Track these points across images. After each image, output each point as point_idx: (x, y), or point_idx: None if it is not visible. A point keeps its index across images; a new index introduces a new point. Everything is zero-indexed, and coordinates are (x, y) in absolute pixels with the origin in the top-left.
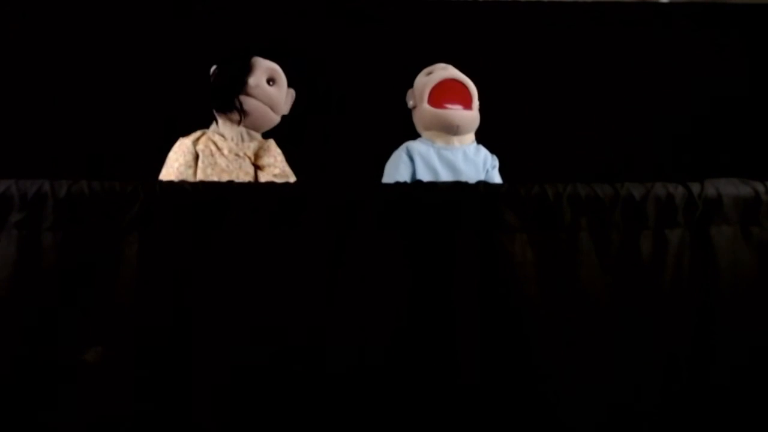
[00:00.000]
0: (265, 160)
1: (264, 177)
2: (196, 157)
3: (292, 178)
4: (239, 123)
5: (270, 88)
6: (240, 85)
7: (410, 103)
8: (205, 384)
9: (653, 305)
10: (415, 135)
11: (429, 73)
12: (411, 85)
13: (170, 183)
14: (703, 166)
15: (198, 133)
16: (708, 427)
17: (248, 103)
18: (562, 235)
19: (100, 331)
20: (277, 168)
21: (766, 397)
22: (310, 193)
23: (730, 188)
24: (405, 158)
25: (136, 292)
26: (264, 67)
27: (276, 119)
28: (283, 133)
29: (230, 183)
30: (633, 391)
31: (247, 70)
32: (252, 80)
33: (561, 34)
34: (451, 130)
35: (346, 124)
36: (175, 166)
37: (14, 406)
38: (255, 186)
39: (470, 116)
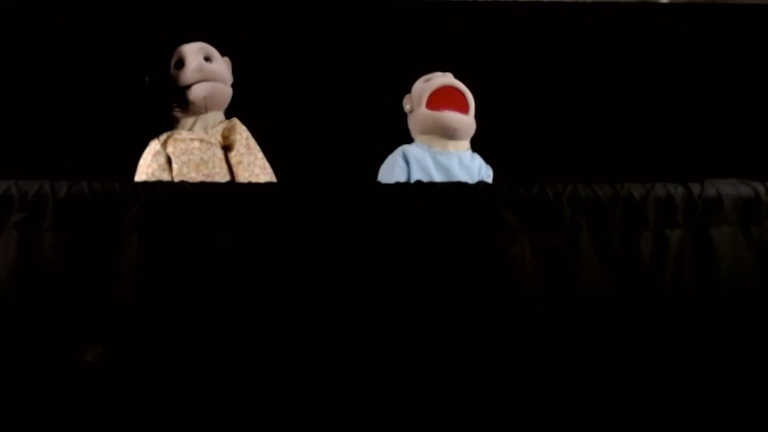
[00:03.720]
0: (230, 139)
1: (232, 157)
2: (168, 159)
3: (259, 155)
4: (205, 110)
5: (211, 65)
6: (179, 78)
7: (407, 108)
8: (204, 384)
9: (653, 305)
10: (411, 137)
11: (428, 80)
12: (409, 85)
13: (170, 183)
14: (703, 166)
15: (164, 136)
16: (708, 427)
17: (200, 88)
18: (562, 235)
19: (100, 331)
20: (242, 146)
21: (766, 396)
22: (309, 193)
23: (730, 188)
24: (401, 162)
25: (136, 293)
26: (194, 50)
27: (230, 91)
28: (282, 133)
29: (230, 183)
30: (633, 391)
31: (181, 60)
32: (192, 66)
33: (561, 34)
34: (447, 133)
35: (346, 124)
36: (149, 172)
37: (14, 405)
38: (255, 186)
39: (467, 121)
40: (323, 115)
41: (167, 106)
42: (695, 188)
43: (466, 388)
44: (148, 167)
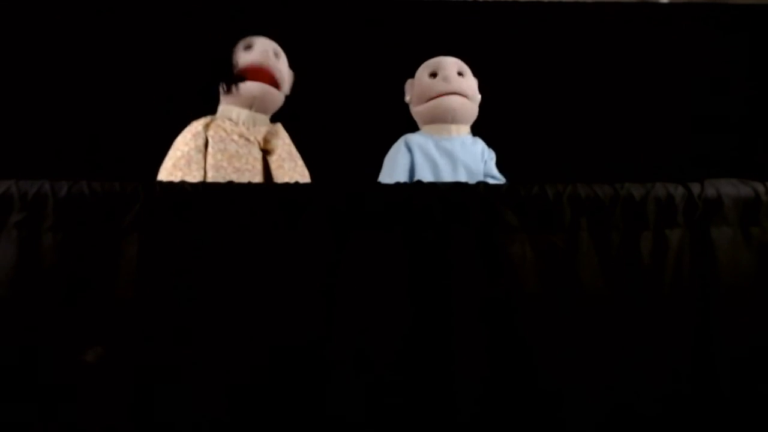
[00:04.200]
0: (273, 143)
1: (272, 161)
2: (206, 142)
3: (300, 161)
4: (250, 107)
5: (276, 60)
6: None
7: (407, 98)
8: (204, 384)
9: (653, 305)
10: (413, 131)
11: (432, 75)
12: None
13: (170, 183)
14: (703, 166)
15: (208, 119)
16: (708, 428)
17: (254, 87)
18: (562, 235)
19: (100, 331)
20: (284, 151)
21: (767, 397)
22: (310, 193)
23: (730, 188)
24: (404, 149)
25: (136, 293)
26: (265, 42)
27: (281, 98)
28: (287, 130)
29: (230, 183)
30: (633, 392)
31: (251, 45)
32: (257, 50)
33: (561, 34)
34: (447, 116)
35: (347, 123)
36: (185, 150)
37: (14, 405)
38: (255, 186)
39: (465, 103)
40: (326, 113)
41: (219, 81)
42: (695, 188)
43: (466, 387)
44: (185, 145)
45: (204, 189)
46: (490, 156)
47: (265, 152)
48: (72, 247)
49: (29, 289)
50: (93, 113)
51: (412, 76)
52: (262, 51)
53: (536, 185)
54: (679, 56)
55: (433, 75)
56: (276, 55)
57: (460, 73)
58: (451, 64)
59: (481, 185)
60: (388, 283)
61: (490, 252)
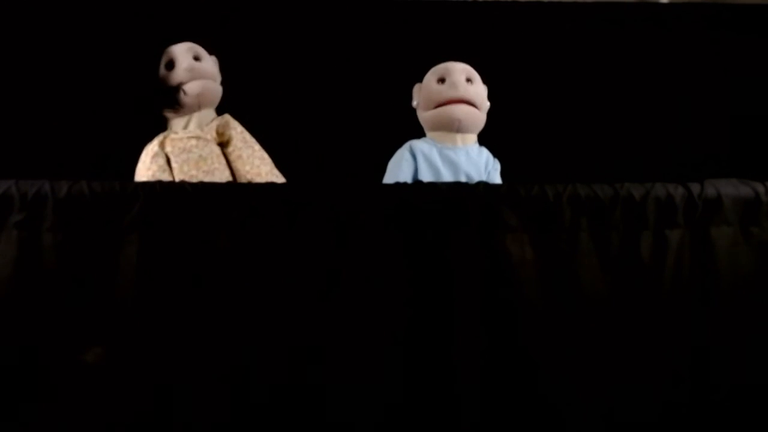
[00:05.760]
0: (226, 135)
1: (230, 152)
2: (167, 159)
3: (256, 146)
4: (198, 108)
5: (200, 64)
6: (172, 77)
7: (415, 103)
8: (204, 384)
9: (653, 305)
10: (415, 135)
11: (440, 80)
12: (412, 84)
13: (170, 183)
14: (703, 166)
15: (161, 137)
16: (707, 428)
17: (192, 86)
18: (562, 235)
19: (100, 331)
20: (239, 140)
21: (766, 397)
22: (310, 193)
23: (730, 189)
24: (408, 156)
25: (136, 293)
26: (183, 50)
27: (220, 89)
28: (282, 133)
29: (230, 183)
30: (633, 392)
31: (172, 61)
32: (183, 65)
33: (561, 34)
34: (453, 125)
35: (347, 124)
36: (149, 174)
37: (14, 405)
38: (255, 186)
39: (472, 112)
40: (327, 115)
41: (159, 107)
42: (695, 188)
43: (466, 388)
44: (147, 170)
45: (204, 189)
46: (495, 167)
47: (221, 145)
48: (72, 247)
49: (29, 289)
50: (93, 113)
51: (412, 77)
52: (185, 66)
53: (536, 185)
54: (679, 56)
55: (441, 80)
56: (196, 58)
57: (468, 80)
58: (459, 71)
59: (481, 185)
60: (388, 283)
61: (490, 252)
